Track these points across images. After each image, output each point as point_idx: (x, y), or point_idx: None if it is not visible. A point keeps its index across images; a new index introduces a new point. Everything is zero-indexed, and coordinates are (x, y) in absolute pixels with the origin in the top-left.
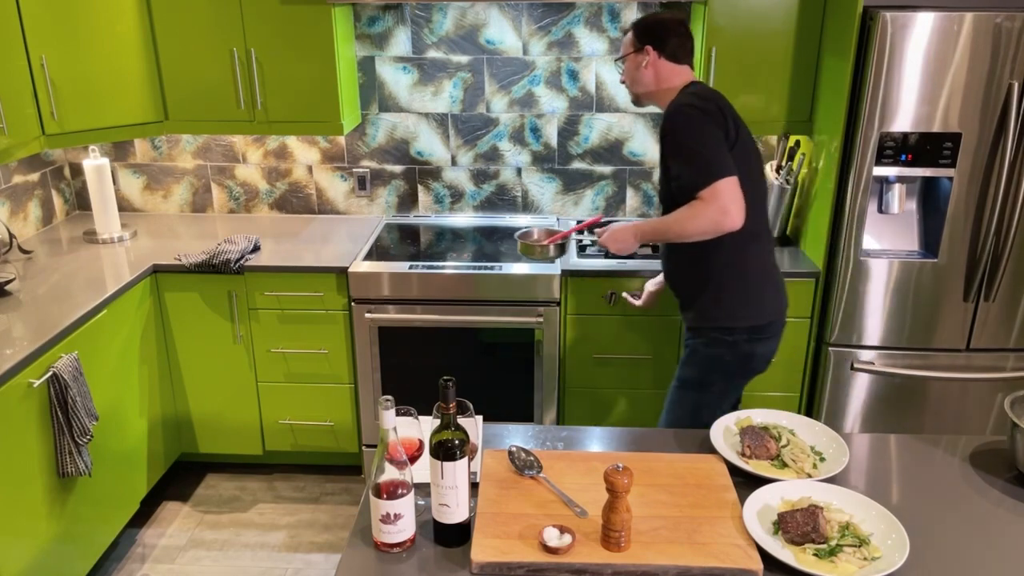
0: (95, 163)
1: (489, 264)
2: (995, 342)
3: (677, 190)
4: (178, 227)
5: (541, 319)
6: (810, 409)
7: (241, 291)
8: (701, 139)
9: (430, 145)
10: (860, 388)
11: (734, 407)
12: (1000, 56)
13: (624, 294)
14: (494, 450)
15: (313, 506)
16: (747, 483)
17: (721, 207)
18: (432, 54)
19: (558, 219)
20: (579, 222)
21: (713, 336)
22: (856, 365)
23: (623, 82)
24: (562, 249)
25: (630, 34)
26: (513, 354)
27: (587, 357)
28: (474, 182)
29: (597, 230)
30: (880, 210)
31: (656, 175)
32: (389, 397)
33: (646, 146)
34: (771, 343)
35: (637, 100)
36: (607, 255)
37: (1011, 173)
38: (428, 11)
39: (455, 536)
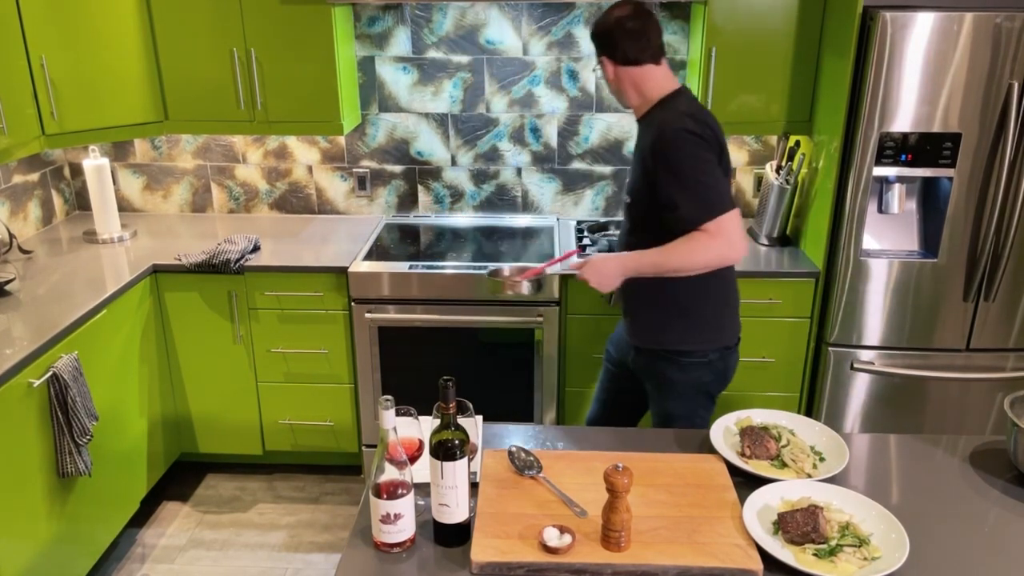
0: (95, 163)
1: (489, 264)
2: (995, 342)
3: (674, 220)
4: (178, 227)
5: (541, 319)
6: (810, 409)
7: (241, 291)
8: (704, 168)
9: (430, 145)
10: (860, 388)
11: None
12: (1000, 56)
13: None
14: (494, 450)
15: (313, 506)
16: (747, 483)
17: (728, 241)
18: (432, 54)
19: (558, 219)
20: (567, 251)
21: (685, 362)
22: (856, 365)
23: None
24: (539, 285)
25: None
26: (513, 354)
27: (587, 357)
28: (474, 182)
29: (574, 263)
30: (880, 210)
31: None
32: (389, 397)
33: None
34: (735, 354)
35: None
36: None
37: (1011, 173)
38: (428, 11)
39: (455, 536)
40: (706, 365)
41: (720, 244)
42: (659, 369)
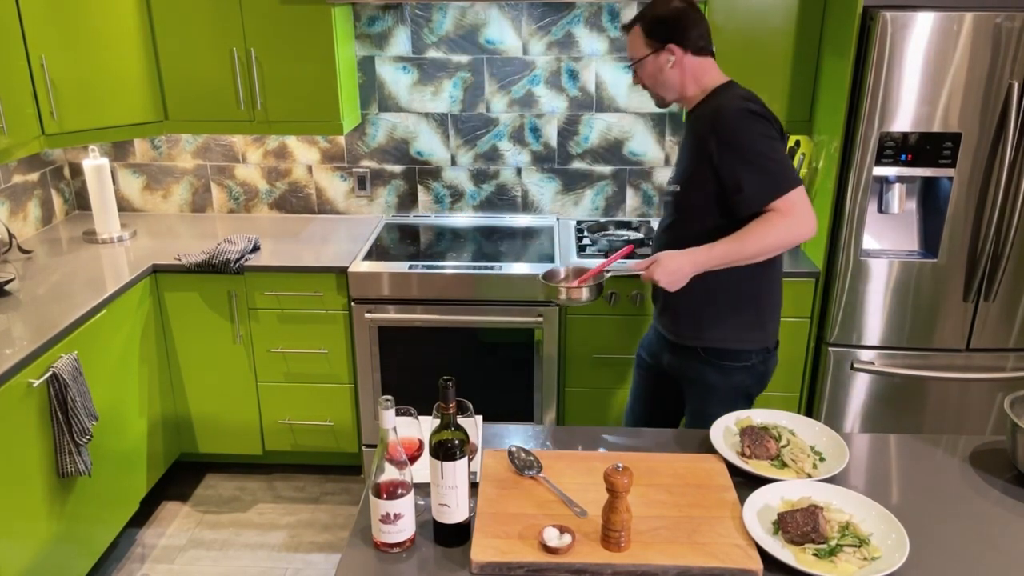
0: (95, 163)
1: (489, 264)
2: (995, 342)
3: (739, 202)
4: (178, 227)
5: (541, 319)
6: (810, 409)
7: (241, 291)
8: (769, 144)
9: (430, 145)
10: (860, 388)
11: None
12: (1000, 56)
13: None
14: (494, 450)
15: (313, 506)
16: (747, 483)
17: (799, 217)
18: (432, 54)
19: (558, 219)
20: (611, 253)
21: (727, 366)
22: (856, 365)
23: (644, 86)
24: (600, 290)
25: (638, 32)
26: (513, 354)
27: (587, 357)
28: (474, 182)
29: (639, 264)
30: (880, 210)
31: (656, 177)
32: (389, 397)
33: (646, 146)
34: (775, 357)
35: (662, 102)
36: (606, 254)
37: (1011, 173)
38: (428, 11)
39: (455, 536)
40: (748, 369)
41: (791, 222)
42: (698, 372)
